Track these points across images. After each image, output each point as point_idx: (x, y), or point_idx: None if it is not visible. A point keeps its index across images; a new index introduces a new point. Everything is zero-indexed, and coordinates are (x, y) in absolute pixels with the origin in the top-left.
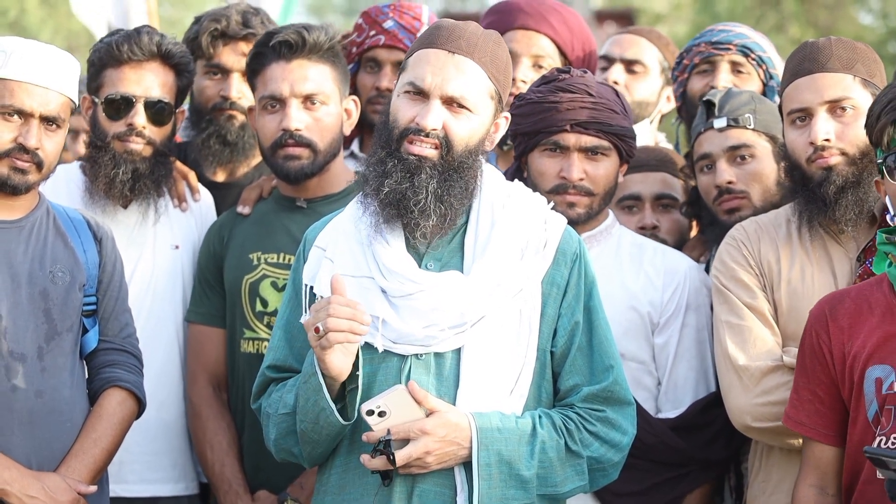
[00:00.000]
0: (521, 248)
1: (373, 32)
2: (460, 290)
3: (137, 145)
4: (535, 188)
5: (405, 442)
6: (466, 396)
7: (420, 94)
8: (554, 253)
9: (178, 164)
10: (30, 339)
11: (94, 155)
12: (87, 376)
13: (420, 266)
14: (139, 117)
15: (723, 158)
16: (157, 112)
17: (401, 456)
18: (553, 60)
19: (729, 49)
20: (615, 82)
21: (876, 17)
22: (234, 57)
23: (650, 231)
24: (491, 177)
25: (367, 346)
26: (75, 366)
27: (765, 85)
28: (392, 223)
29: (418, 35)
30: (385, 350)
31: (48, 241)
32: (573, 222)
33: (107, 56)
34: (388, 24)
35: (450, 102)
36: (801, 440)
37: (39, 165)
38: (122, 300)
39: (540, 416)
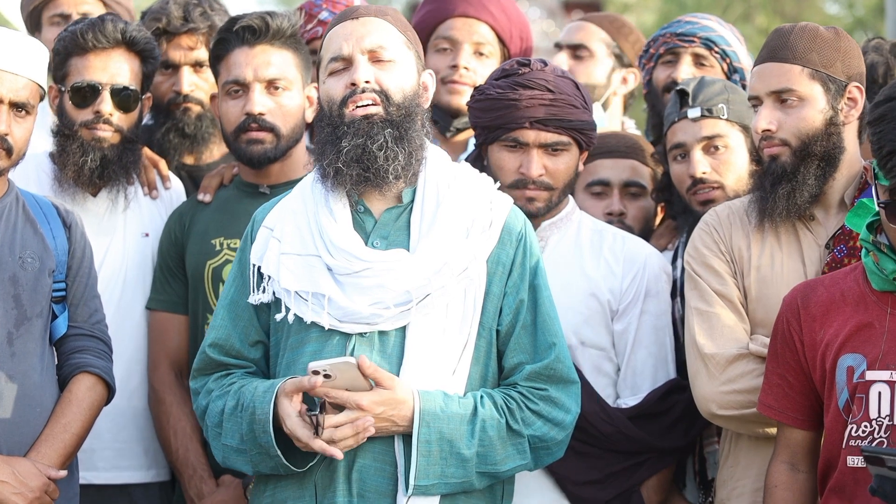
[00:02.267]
0: (467, 227)
1: (309, 26)
2: (406, 268)
3: (105, 133)
4: (494, 179)
5: (341, 408)
6: (410, 374)
7: (343, 62)
8: (499, 232)
9: (149, 151)
10: (2, 323)
11: (62, 143)
12: (56, 362)
13: (367, 244)
14: (106, 104)
15: (697, 148)
16: (124, 99)
17: (328, 424)
18: (493, 48)
19: (692, 41)
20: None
21: (842, 7)
22: (180, 52)
23: (617, 217)
24: (436, 157)
25: (313, 324)
26: (45, 351)
27: (728, 78)
28: (359, 185)
29: None
30: (330, 328)
31: (17, 227)
32: (533, 215)
33: (72, 44)
34: (323, 14)
35: (373, 58)
36: (766, 428)
37: (9, 151)
38: (91, 286)
39: (482, 396)
